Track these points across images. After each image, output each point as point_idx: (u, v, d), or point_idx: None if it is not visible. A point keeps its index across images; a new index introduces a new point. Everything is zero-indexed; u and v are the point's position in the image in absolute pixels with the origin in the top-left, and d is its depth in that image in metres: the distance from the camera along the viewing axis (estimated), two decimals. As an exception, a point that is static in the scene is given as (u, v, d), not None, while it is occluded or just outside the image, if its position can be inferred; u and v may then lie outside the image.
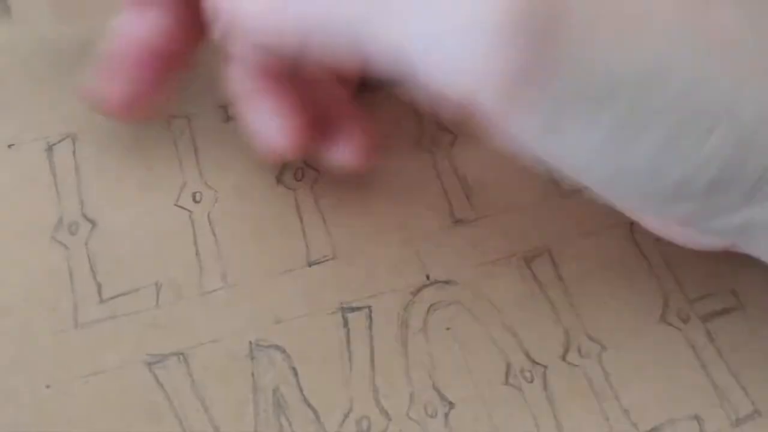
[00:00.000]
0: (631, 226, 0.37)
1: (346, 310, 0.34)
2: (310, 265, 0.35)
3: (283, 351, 0.33)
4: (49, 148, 0.36)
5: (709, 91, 0.25)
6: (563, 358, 0.34)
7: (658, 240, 0.35)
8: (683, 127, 0.26)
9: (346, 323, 0.34)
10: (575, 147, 0.27)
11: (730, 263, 0.36)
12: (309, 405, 0.32)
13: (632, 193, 0.28)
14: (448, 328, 0.34)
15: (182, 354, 0.32)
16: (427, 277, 0.35)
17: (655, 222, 0.34)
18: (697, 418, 0.33)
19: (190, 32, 0.33)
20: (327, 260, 0.35)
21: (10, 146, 0.36)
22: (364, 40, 0.26)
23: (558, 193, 0.37)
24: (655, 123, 0.25)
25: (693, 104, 0.25)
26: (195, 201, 0.35)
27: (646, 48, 0.25)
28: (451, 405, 0.33)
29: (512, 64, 0.25)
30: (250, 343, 0.33)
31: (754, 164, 0.26)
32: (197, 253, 0.34)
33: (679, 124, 0.25)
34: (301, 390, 0.32)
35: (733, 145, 0.26)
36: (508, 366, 0.34)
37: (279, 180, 0.36)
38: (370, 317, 0.34)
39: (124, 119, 0.35)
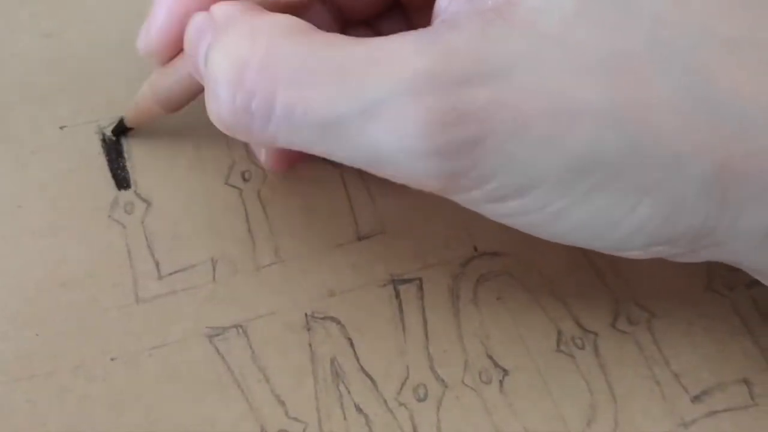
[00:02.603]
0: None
1: (397, 282, 0.36)
2: (359, 240, 0.37)
3: (338, 322, 0.35)
4: (100, 131, 0.38)
5: (634, 172, 0.27)
6: (613, 325, 0.36)
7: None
8: (609, 205, 0.28)
9: (397, 295, 0.35)
10: (514, 216, 0.30)
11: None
12: (366, 374, 0.34)
13: (582, 246, 0.30)
14: (498, 298, 0.36)
15: (241, 326, 0.34)
16: (475, 249, 0.37)
17: None
18: (746, 381, 0.35)
19: None
20: (376, 234, 0.37)
21: (62, 128, 0.37)
22: (331, 152, 0.29)
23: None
24: (581, 203, 0.28)
25: (618, 185, 0.27)
26: (244, 180, 0.37)
27: (572, 144, 0.27)
28: (505, 372, 0.34)
29: (439, 177, 0.28)
30: (306, 315, 0.35)
31: (684, 228, 0.28)
32: (249, 230, 0.36)
33: (605, 202, 0.28)
34: (357, 359, 0.34)
35: (661, 214, 0.28)
36: (559, 334, 0.35)
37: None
38: (421, 289, 0.36)
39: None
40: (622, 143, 0.27)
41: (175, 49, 0.33)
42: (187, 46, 0.32)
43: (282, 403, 0.33)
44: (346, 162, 0.29)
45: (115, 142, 0.37)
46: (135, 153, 0.37)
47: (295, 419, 0.33)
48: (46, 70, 0.39)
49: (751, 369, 0.36)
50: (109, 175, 0.37)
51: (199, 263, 0.35)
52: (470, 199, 0.29)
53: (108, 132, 0.38)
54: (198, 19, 0.31)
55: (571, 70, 0.27)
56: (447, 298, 0.36)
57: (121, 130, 0.37)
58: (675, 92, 0.27)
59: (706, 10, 0.27)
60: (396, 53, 0.27)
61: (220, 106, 0.29)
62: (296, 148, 0.29)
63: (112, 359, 0.33)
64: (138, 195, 0.36)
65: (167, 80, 0.34)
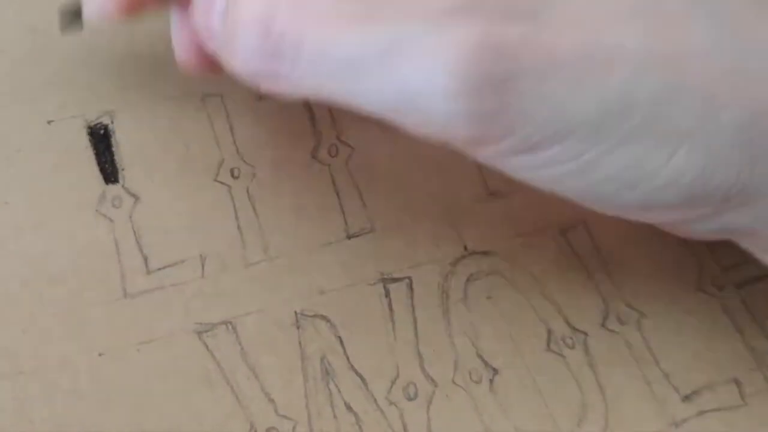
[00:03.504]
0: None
1: (387, 280, 0.36)
2: (349, 238, 0.37)
3: (328, 320, 0.35)
4: (88, 126, 0.38)
5: (670, 119, 0.27)
6: (603, 325, 0.36)
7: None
8: (646, 152, 0.28)
9: (387, 293, 0.36)
10: (543, 169, 0.29)
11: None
12: (356, 372, 0.34)
13: (605, 205, 0.30)
14: (488, 297, 0.36)
15: (230, 323, 0.34)
16: (465, 248, 0.37)
17: None
18: (735, 381, 0.36)
19: None
20: (366, 233, 0.37)
21: (49, 122, 0.37)
22: (356, 95, 0.28)
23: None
24: (617, 150, 0.28)
25: (652, 134, 0.27)
26: (233, 176, 0.37)
27: (608, 88, 0.27)
28: (495, 371, 0.35)
29: (471, 121, 0.27)
30: (296, 312, 0.35)
31: (719, 181, 0.28)
32: (239, 227, 0.36)
33: (642, 149, 0.28)
34: (347, 358, 0.34)
35: (697, 164, 0.28)
36: (549, 333, 0.36)
37: (314, 156, 0.38)
38: (411, 288, 0.36)
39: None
40: (658, 88, 0.27)
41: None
42: (198, 11, 0.31)
43: (271, 401, 0.33)
44: (373, 107, 0.28)
45: (103, 136, 0.37)
46: (123, 147, 0.37)
47: (285, 417, 0.33)
48: (32, 64, 0.39)
49: (741, 369, 0.36)
50: (96, 169, 0.37)
51: (187, 259, 0.35)
52: (500, 150, 0.28)
53: (96, 123, 0.38)
54: None
55: (604, 13, 0.27)
56: (437, 297, 0.36)
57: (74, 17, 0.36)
58: (710, 39, 0.27)
59: None
60: None
61: (249, 51, 0.29)
62: (322, 94, 0.29)
63: (99, 355, 0.33)
64: (126, 189, 0.36)
65: None
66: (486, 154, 0.29)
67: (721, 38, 0.27)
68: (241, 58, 0.29)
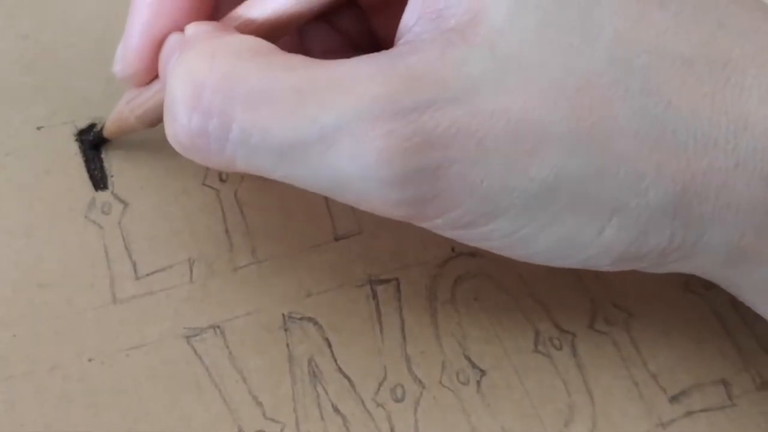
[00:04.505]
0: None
1: (374, 282, 0.37)
2: (336, 240, 0.37)
3: (316, 323, 0.35)
4: (78, 132, 0.38)
5: (601, 193, 0.28)
6: (590, 326, 0.37)
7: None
8: (576, 228, 0.29)
9: (375, 295, 0.36)
10: (479, 241, 0.30)
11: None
12: (344, 374, 0.35)
13: (548, 264, 0.31)
14: (476, 299, 0.37)
15: (218, 327, 0.35)
16: (453, 250, 0.38)
17: None
18: (723, 382, 0.36)
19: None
20: (353, 235, 0.38)
21: (39, 128, 0.38)
22: (289, 177, 0.29)
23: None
24: (548, 227, 0.29)
25: (584, 208, 0.28)
26: (221, 180, 0.38)
27: (536, 170, 0.27)
28: (483, 372, 0.35)
29: (402, 206, 0.28)
30: (283, 315, 0.35)
31: (652, 246, 0.29)
32: (226, 231, 0.37)
33: (572, 225, 0.29)
34: (335, 360, 0.35)
35: (627, 236, 0.29)
36: (537, 334, 0.36)
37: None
38: (399, 289, 0.37)
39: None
40: (586, 167, 0.28)
41: (152, 72, 0.34)
42: (160, 66, 0.33)
43: (259, 404, 0.34)
44: (307, 188, 0.29)
45: (92, 143, 0.38)
46: (112, 154, 0.38)
47: (273, 420, 0.33)
48: (23, 71, 0.39)
49: (729, 369, 0.37)
50: (86, 175, 0.37)
51: (176, 264, 0.36)
52: (434, 225, 0.29)
53: (86, 140, 0.38)
54: (171, 40, 0.32)
55: (532, 93, 0.27)
56: (424, 299, 0.37)
57: (99, 141, 0.38)
58: (635, 113, 0.27)
59: (662, 28, 0.28)
60: (356, 77, 0.27)
61: (177, 126, 0.29)
62: (256, 173, 0.29)
63: (89, 360, 0.34)
64: (115, 195, 0.37)
65: (144, 95, 0.35)
66: (424, 226, 0.30)
67: (647, 114, 0.28)
68: (170, 132, 0.30)
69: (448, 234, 0.30)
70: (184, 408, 0.33)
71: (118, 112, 0.36)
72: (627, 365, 0.36)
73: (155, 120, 0.35)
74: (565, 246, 0.29)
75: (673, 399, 0.36)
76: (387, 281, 0.37)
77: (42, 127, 0.38)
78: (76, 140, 0.38)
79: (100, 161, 0.38)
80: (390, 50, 0.29)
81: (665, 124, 0.28)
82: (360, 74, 0.28)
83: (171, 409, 0.33)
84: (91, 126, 0.38)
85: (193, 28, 0.31)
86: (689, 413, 0.36)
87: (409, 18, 0.29)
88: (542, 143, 0.27)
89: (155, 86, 0.34)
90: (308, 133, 0.27)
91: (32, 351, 0.34)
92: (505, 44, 0.27)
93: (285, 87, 0.28)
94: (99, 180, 0.37)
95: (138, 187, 0.37)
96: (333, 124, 0.27)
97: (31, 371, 0.33)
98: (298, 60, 0.29)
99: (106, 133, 0.37)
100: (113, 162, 0.38)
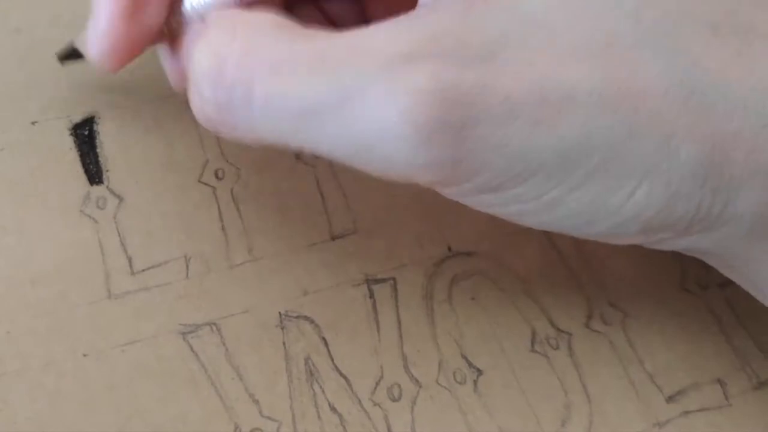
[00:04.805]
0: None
1: (371, 281, 0.37)
2: (333, 239, 0.37)
3: (312, 321, 0.35)
4: (72, 126, 0.38)
5: (629, 157, 0.28)
6: (587, 325, 0.37)
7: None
8: (606, 190, 0.28)
9: (371, 294, 0.36)
10: (506, 206, 0.30)
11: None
12: (340, 373, 0.34)
13: (571, 233, 0.31)
14: (472, 298, 0.37)
15: (215, 324, 0.35)
16: (449, 249, 0.38)
17: None
18: (719, 381, 0.36)
19: None
20: (350, 234, 0.38)
21: (33, 123, 0.38)
22: (313, 143, 0.29)
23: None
24: (578, 189, 0.28)
25: (613, 172, 0.28)
26: (218, 178, 0.38)
27: (566, 129, 0.27)
28: (480, 372, 0.35)
29: (430, 167, 0.28)
30: (280, 314, 0.35)
31: (681, 214, 0.29)
32: (223, 228, 0.37)
33: (602, 187, 0.28)
34: (332, 359, 0.35)
35: (658, 200, 0.28)
36: (534, 333, 0.36)
37: (298, 157, 0.39)
38: (395, 288, 0.37)
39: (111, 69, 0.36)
40: (616, 127, 0.27)
41: (128, 52, 0.34)
42: (186, 54, 0.33)
43: (256, 402, 0.33)
44: (331, 154, 0.29)
45: (87, 137, 0.38)
46: (107, 148, 0.38)
47: (269, 418, 0.33)
48: (16, 65, 0.39)
49: (726, 369, 0.37)
50: (81, 170, 0.37)
51: (172, 260, 0.36)
52: (462, 191, 0.29)
53: (80, 134, 0.38)
54: (193, 29, 0.33)
55: (557, 54, 0.27)
56: (421, 298, 0.37)
57: (70, 54, 0.37)
58: (664, 74, 0.27)
59: None
60: (376, 39, 0.28)
61: (204, 102, 0.30)
62: (282, 142, 0.29)
63: (83, 355, 0.33)
64: (110, 190, 0.37)
65: None
66: (449, 193, 0.29)
67: (676, 74, 0.28)
68: (196, 107, 0.30)
69: (476, 201, 0.30)
70: (180, 405, 0.33)
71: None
72: (623, 365, 0.36)
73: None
74: (594, 210, 0.29)
75: (670, 398, 0.36)
76: (383, 280, 0.37)
77: (36, 121, 0.38)
78: (71, 134, 0.38)
79: (95, 156, 0.37)
80: (408, 14, 0.29)
81: (694, 84, 0.27)
82: (380, 36, 0.28)
83: (166, 406, 0.33)
84: (87, 120, 0.38)
85: (216, 13, 0.31)
86: (686, 413, 0.36)
87: None
88: (570, 102, 0.27)
89: None
90: (330, 95, 0.27)
91: (26, 347, 0.33)
92: (527, 6, 0.27)
93: (306, 53, 0.28)
94: (94, 174, 0.37)
95: (133, 182, 0.37)
96: (355, 84, 0.27)
97: (25, 367, 0.33)
98: (317, 31, 0.29)
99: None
100: (108, 156, 0.38)
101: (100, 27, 0.34)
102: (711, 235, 0.30)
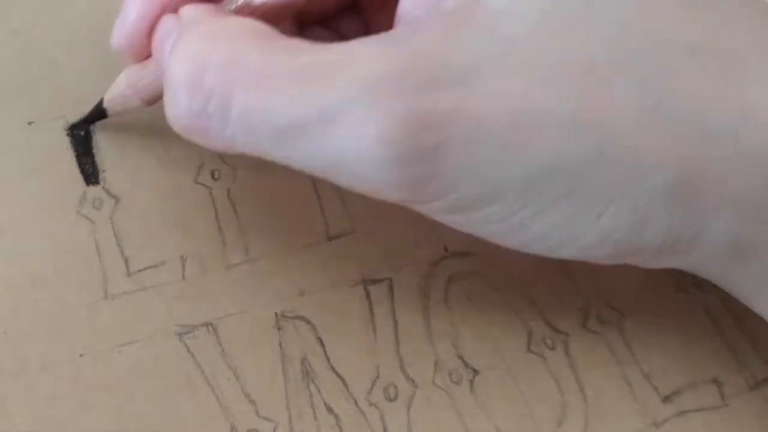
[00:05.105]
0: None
1: (367, 282, 0.37)
2: (329, 240, 0.37)
3: (309, 322, 0.35)
4: (69, 127, 0.38)
5: (598, 181, 0.28)
6: (583, 325, 0.37)
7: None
8: (574, 213, 0.29)
9: (368, 295, 0.36)
10: (475, 226, 0.30)
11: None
12: (337, 374, 0.35)
13: (544, 254, 0.31)
14: (469, 298, 0.37)
15: (211, 324, 0.35)
16: (446, 249, 0.38)
17: None
18: (716, 381, 0.37)
19: None
20: (346, 234, 0.38)
21: (30, 123, 0.38)
22: (288, 157, 0.29)
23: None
24: (545, 212, 0.29)
25: (583, 194, 0.28)
26: (214, 178, 0.38)
27: (535, 154, 0.27)
28: (476, 372, 0.35)
29: (400, 187, 0.28)
30: (276, 314, 0.35)
31: (650, 238, 0.29)
32: (219, 229, 0.37)
33: (570, 210, 0.28)
34: (328, 359, 0.35)
35: (625, 225, 0.29)
36: (530, 334, 0.37)
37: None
38: (392, 289, 0.37)
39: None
40: (585, 151, 0.27)
41: (147, 48, 0.34)
42: (155, 47, 0.33)
43: (252, 402, 0.34)
44: (306, 170, 0.29)
45: (84, 138, 0.38)
46: (103, 149, 0.38)
47: (266, 418, 0.33)
48: (14, 66, 0.39)
49: (722, 369, 0.37)
50: (77, 170, 0.37)
51: (168, 260, 0.36)
52: (432, 209, 0.29)
53: (78, 121, 0.38)
54: (166, 21, 0.32)
55: (534, 76, 0.27)
56: (417, 299, 0.37)
57: (98, 115, 0.38)
58: (637, 99, 0.28)
59: (668, 17, 0.28)
60: (357, 57, 0.28)
61: (178, 107, 0.30)
62: (255, 153, 0.30)
63: (80, 356, 0.33)
64: (107, 191, 0.37)
65: (144, 72, 0.35)
66: (420, 209, 0.30)
67: (649, 99, 0.28)
68: (170, 112, 0.30)
69: (445, 219, 0.30)
70: (177, 405, 0.33)
71: (120, 91, 0.36)
72: (620, 365, 0.36)
73: (156, 98, 0.35)
74: (562, 232, 0.29)
75: (666, 399, 0.36)
76: (380, 281, 0.37)
77: (33, 122, 0.38)
78: (67, 135, 0.38)
79: (92, 156, 0.38)
80: (390, 32, 0.29)
81: (668, 110, 0.28)
82: (361, 54, 0.28)
83: (163, 407, 0.33)
84: (83, 120, 0.38)
85: (190, 11, 0.31)
86: (682, 413, 0.36)
87: (405, 4, 0.30)
88: (542, 126, 0.27)
89: (152, 65, 0.34)
90: (309, 113, 0.27)
91: (23, 348, 0.33)
92: (505, 28, 0.28)
93: (286, 68, 0.28)
94: (90, 175, 0.37)
95: (130, 183, 0.37)
96: (334, 103, 0.27)
97: (22, 368, 0.33)
98: (299, 43, 0.29)
99: (106, 106, 0.37)
100: (104, 157, 0.38)
101: (126, 25, 0.34)
102: (684, 258, 0.31)
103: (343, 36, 0.37)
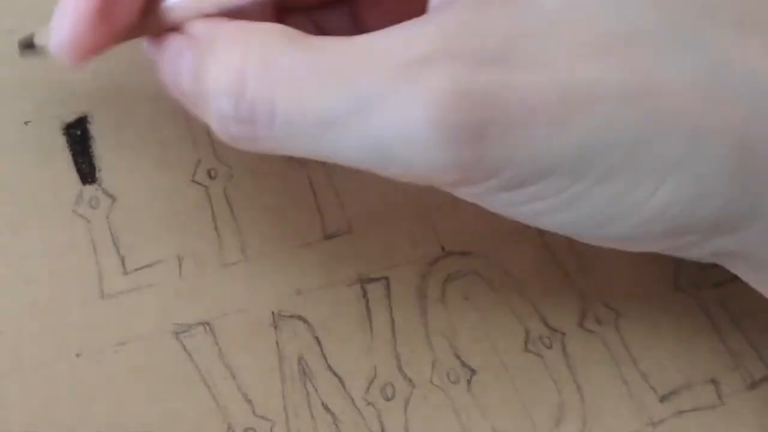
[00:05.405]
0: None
1: (364, 281, 0.37)
2: (326, 239, 0.38)
3: (306, 321, 0.36)
4: (65, 126, 0.38)
5: (654, 152, 0.27)
6: (580, 324, 0.37)
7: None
8: (629, 186, 0.28)
9: (365, 294, 0.37)
10: (525, 204, 0.29)
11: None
12: (334, 373, 0.35)
13: (589, 238, 0.31)
14: (466, 298, 0.37)
15: (208, 324, 0.35)
16: (443, 249, 0.38)
17: None
18: (713, 381, 0.37)
19: None
20: (343, 234, 0.38)
21: (26, 123, 0.38)
22: (335, 152, 0.29)
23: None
24: (600, 185, 0.28)
25: (637, 167, 0.27)
26: (210, 177, 0.38)
27: (586, 128, 0.27)
28: (473, 371, 0.35)
29: (453, 168, 0.27)
30: (273, 313, 0.36)
31: (708, 211, 0.28)
32: (216, 227, 0.37)
33: (625, 183, 0.28)
34: (325, 358, 0.35)
35: (684, 197, 0.28)
36: (527, 333, 0.37)
37: (290, 157, 0.39)
38: (389, 288, 0.37)
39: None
40: (639, 123, 0.27)
41: (92, 49, 0.32)
42: (166, 69, 0.32)
43: (249, 401, 0.34)
44: (354, 163, 0.29)
45: (80, 137, 0.38)
46: (100, 148, 0.38)
47: (262, 417, 0.34)
48: (10, 65, 0.39)
49: (719, 369, 0.37)
50: (73, 169, 0.37)
51: (164, 259, 0.36)
52: (482, 190, 0.29)
53: (73, 134, 0.38)
54: (174, 40, 0.32)
55: (576, 51, 0.27)
56: (414, 298, 0.37)
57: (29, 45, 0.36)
58: (689, 69, 0.27)
59: None
60: (391, 42, 0.27)
61: (225, 119, 0.29)
62: (303, 153, 0.29)
63: (77, 355, 0.34)
64: (103, 190, 0.37)
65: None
66: (466, 192, 0.29)
67: (700, 67, 0.27)
68: (217, 125, 0.30)
69: (494, 200, 0.29)
70: (173, 405, 0.33)
71: None
72: (617, 364, 0.36)
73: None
74: (616, 207, 0.28)
75: (664, 398, 0.36)
76: (377, 280, 0.37)
77: (29, 121, 0.38)
78: (64, 134, 0.38)
79: (89, 155, 0.38)
80: (420, 17, 0.28)
81: (720, 76, 0.27)
82: (394, 40, 0.27)
83: (159, 406, 0.33)
84: (79, 120, 0.38)
85: (203, 26, 0.31)
86: (679, 412, 0.36)
87: None
88: (590, 100, 0.27)
89: None
90: (350, 104, 0.27)
91: (19, 347, 0.34)
92: (545, 1, 0.27)
93: (321, 65, 0.28)
94: (87, 174, 0.37)
95: (126, 182, 0.37)
96: (373, 91, 0.27)
97: (18, 367, 0.33)
98: (328, 40, 0.29)
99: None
100: (101, 156, 0.38)
101: (65, 22, 0.32)
102: (740, 235, 0.29)
103: (324, 26, 0.37)
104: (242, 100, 0.28)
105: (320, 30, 0.37)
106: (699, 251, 0.31)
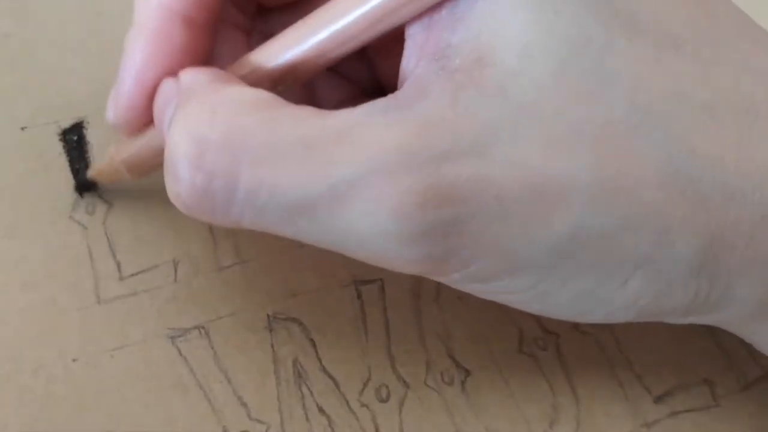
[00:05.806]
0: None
1: (358, 283, 0.37)
2: (321, 241, 0.38)
3: (300, 323, 0.36)
4: (62, 132, 0.39)
5: (624, 248, 0.27)
6: (575, 326, 0.37)
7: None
8: (598, 281, 0.28)
9: (359, 296, 0.37)
10: (496, 294, 0.30)
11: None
12: (329, 375, 0.35)
13: (569, 319, 0.31)
14: (460, 298, 0.37)
15: (203, 327, 0.35)
16: (439, 250, 0.38)
17: None
18: (708, 382, 0.37)
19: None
20: (338, 235, 0.38)
21: (23, 129, 0.38)
22: (299, 235, 0.29)
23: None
24: (570, 281, 0.28)
25: (605, 264, 0.27)
26: (206, 180, 0.38)
27: (558, 225, 0.26)
28: (468, 373, 0.36)
29: (423, 261, 0.27)
30: (268, 315, 0.36)
31: (676, 303, 0.29)
32: (211, 231, 0.37)
33: (594, 279, 0.28)
34: (320, 360, 0.35)
35: (651, 290, 0.28)
36: (521, 335, 0.37)
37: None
38: (383, 289, 0.37)
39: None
40: (610, 219, 0.27)
41: (144, 120, 0.32)
42: (156, 116, 0.31)
43: (244, 404, 0.34)
44: (319, 246, 0.29)
45: (77, 142, 0.38)
46: (97, 154, 0.38)
47: (258, 420, 0.34)
48: (6, 70, 0.40)
49: (713, 370, 0.37)
50: (70, 175, 0.38)
51: (160, 264, 0.36)
52: (452, 280, 0.29)
53: (70, 140, 0.39)
54: (165, 87, 0.31)
55: (551, 142, 0.26)
56: (409, 299, 0.37)
57: (87, 185, 0.38)
58: (658, 163, 0.27)
59: (680, 73, 0.27)
60: (365, 127, 0.27)
61: (180, 185, 0.28)
62: (264, 230, 0.29)
63: (73, 360, 0.34)
64: (99, 196, 0.37)
65: (137, 145, 0.34)
66: (441, 281, 0.29)
67: (672, 164, 0.27)
68: (171, 190, 0.29)
69: (465, 287, 0.29)
70: (169, 408, 0.34)
71: (109, 159, 0.35)
72: (611, 366, 0.37)
73: (147, 171, 0.34)
74: (587, 300, 0.29)
75: (658, 399, 0.36)
76: (371, 281, 0.37)
77: (25, 127, 0.39)
78: (60, 140, 0.38)
79: (85, 161, 0.38)
80: (396, 94, 0.28)
81: (690, 174, 0.27)
82: (370, 125, 0.27)
83: (155, 410, 0.34)
84: (76, 125, 0.39)
85: (189, 76, 0.30)
86: (674, 414, 0.36)
87: (408, 61, 0.29)
88: (563, 195, 0.26)
89: (148, 134, 0.33)
90: (318, 190, 0.26)
91: (15, 352, 0.34)
92: (518, 90, 0.26)
93: (291, 142, 0.27)
94: (83, 182, 0.37)
95: (122, 188, 0.38)
96: (344, 179, 0.26)
97: (15, 372, 0.34)
98: (304, 112, 0.28)
99: (95, 177, 0.37)
100: (98, 162, 0.38)
101: (122, 97, 0.32)
102: (712, 316, 0.30)
103: (351, 78, 0.36)
104: (200, 170, 0.27)
105: (352, 83, 0.37)
106: (673, 322, 0.31)
